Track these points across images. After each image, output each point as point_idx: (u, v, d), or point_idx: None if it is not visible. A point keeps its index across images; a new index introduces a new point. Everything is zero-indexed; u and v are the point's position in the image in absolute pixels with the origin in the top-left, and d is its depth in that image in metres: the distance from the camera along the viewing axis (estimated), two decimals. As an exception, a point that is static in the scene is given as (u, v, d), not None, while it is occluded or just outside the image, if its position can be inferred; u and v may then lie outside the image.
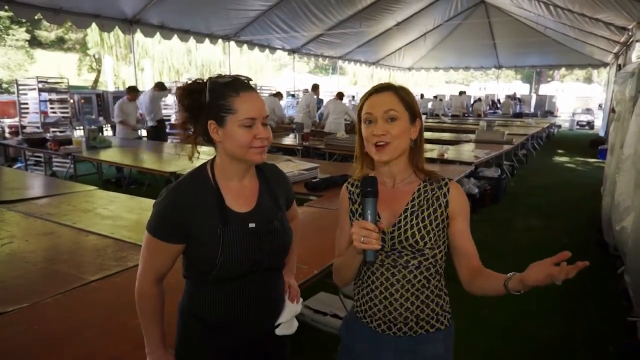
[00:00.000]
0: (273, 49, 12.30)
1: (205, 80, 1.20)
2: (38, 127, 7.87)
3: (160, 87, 7.88)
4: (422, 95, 18.23)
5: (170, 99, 9.69)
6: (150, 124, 8.05)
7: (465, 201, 1.23)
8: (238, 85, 1.18)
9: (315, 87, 9.61)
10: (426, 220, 1.18)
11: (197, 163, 1.28)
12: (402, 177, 1.25)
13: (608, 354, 2.79)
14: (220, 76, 1.20)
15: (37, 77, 7.99)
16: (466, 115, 16.62)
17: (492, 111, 18.79)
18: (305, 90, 13.77)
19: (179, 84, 1.27)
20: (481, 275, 1.16)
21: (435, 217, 1.19)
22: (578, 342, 2.91)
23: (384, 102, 1.18)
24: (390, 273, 1.20)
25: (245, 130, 1.15)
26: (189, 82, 1.22)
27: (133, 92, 7.50)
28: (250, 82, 1.23)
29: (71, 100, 9.31)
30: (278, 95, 10.36)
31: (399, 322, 1.21)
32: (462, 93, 18.18)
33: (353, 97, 12.50)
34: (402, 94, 1.20)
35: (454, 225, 1.21)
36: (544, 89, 28.75)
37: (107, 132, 12.53)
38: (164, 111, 9.23)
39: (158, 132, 8.01)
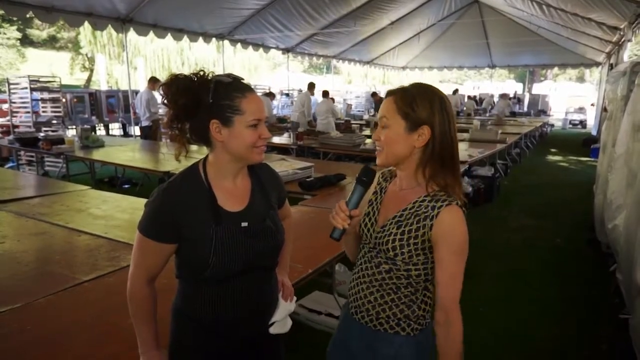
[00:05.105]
0: (267, 48, 12.26)
1: (199, 78, 1.16)
2: (30, 127, 7.80)
3: (154, 82, 7.86)
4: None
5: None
6: (145, 123, 8.00)
7: (453, 232, 1.13)
8: (242, 86, 1.18)
9: (311, 86, 9.52)
10: (405, 234, 1.16)
11: (185, 162, 1.27)
12: (407, 184, 1.22)
13: (601, 351, 2.81)
14: (218, 75, 1.18)
15: (28, 76, 7.91)
16: (460, 113, 16.67)
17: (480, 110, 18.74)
18: (300, 90, 13.76)
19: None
20: (437, 326, 1.17)
21: (415, 235, 1.15)
22: (571, 340, 2.93)
23: (382, 108, 1.19)
24: (366, 265, 1.26)
25: (251, 131, 1.17)
26: (177, 77, 1.16)
27: (155, 81, 7.88)
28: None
29: (63, 100, 9.25)
30: (271, 95, 10.36)
31: (362, 310, 1.26)
32: (455, 92, 18.23)
33: (333, 99, 12.19)
34: (398, 100, 1.16)
35: (435, 251, 1.15)
36: (537, 88, 28.90)
37: (100, 131, 12.48)
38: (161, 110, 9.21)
39: (153, 132, 7.98)
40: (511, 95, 20.05)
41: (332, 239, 1.19)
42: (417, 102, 1.14)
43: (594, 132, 14.42)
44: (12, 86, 8.11)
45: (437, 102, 1.14)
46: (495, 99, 20.30)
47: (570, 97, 25.29)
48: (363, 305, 1.25)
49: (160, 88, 1.18)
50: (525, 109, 20.08)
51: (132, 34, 8.83)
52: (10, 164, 7.79)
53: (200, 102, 1.14)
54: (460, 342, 1.15)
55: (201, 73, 1.17)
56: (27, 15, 7.12)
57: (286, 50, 13.01)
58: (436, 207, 1.14)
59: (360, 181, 1.19)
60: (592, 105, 19.39)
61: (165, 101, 1.16)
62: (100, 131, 12.54)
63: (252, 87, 1.21)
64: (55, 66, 25.30)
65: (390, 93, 1.19)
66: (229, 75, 1.18)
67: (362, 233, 1.28)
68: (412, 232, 1.15)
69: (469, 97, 18.52)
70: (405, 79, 21.19)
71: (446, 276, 1.14)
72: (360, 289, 1.26)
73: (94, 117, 11.75)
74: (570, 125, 19.70)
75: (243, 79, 1.21)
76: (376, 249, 1.22)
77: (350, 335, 1.30)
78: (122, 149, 6.25)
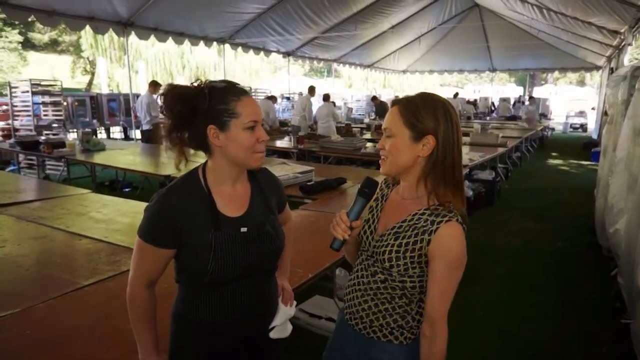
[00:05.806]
0: (268, 52, 12.28)
1: (195, 85, 1.18)
2: (31, 130, 7.81)
3: (155, 86, 7.85)
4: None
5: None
6: (145, 127, 8.00)
7: (450, 248, 1.11)
8: (237, 89, 1.19)
9: (312, 89, 9.52)
10: (402, 247, 1.15)
11: (185, 166, 1.27)
12: (409, 194, 1.21)
13: (601, 354, 2.80)
14: (212, 81, 1.19)
15: (30, 80, 7.94)
16: (460, 117, 16.66)
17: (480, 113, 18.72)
18: (300, 94, 13.76)
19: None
20: (422, 337, 1.18)
21: (412, 249, 1.14)
22: (571, 343, 2.92)
23: (387, 118, 1.19)
24: (362, 273, 1.26)
25: (249, 133, 1.17)
26: (174, 86, 1.18)
27: (156, 85, 7.83)
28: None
29: (65, 103, 9.26)
30: (272, 98, 10.37)
31: (357, 317, 1.26)
32: (456, 95, 18.26)
33: (334, 102, 12.20)
34: (402, 109, 1.16)
35: (430, 264, 1.14)
36: (538, 92, 28.89)
37: (101, 134, 12.49)
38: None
39: (153, 136, 7.97)
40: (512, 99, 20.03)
41: (332, 249, 1.18)
42: (421, 111, 1.14)
43: (594, 136, 14.41)
44: (13, 90, 8.14)
45: (441, 111, 1.14)
46: (496, 102, 20.34)
47: (571, 101, 25.26)
48: (357, 312, 1.26)
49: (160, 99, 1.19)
50: (526, 112, 20.05)
51: (133, 37, 8.85)
52: (11, 168, 7.80)
53: (196, 109, 1.15)
54: (444, 356, 1.16)
55: (198, 81, 1.19)
56: (29, 19, 7.14)
57: (287, 54, 13.03)
58: (435, 222, 1.12)
59: (362, 192, 1.19)
60: (593, 109, 19.37)
61: (164, 111, 1.17)
62: (101, 134, 12.55)
63: (249, 90, 1.22)
64: (57, 70, 25.33)
65: (395, 103, 1.19)
66: (223, 81, 1.20)
67: (361, 239, 1.28)
68: (409, 245, 1.14)
69: (467, 101, 18.54)
70: (406, 82, 21.21)
71: (437, 290, 1.13)
72: (356, 295, 1.26)
73: (95, 121, 11.75)
74: (571, 129, 19.70)
75: (238, 84, 1.22)
76: (373, 257, 1.22)
77: (345, 340, 1.31)
78: (123, 153, 6.26)
